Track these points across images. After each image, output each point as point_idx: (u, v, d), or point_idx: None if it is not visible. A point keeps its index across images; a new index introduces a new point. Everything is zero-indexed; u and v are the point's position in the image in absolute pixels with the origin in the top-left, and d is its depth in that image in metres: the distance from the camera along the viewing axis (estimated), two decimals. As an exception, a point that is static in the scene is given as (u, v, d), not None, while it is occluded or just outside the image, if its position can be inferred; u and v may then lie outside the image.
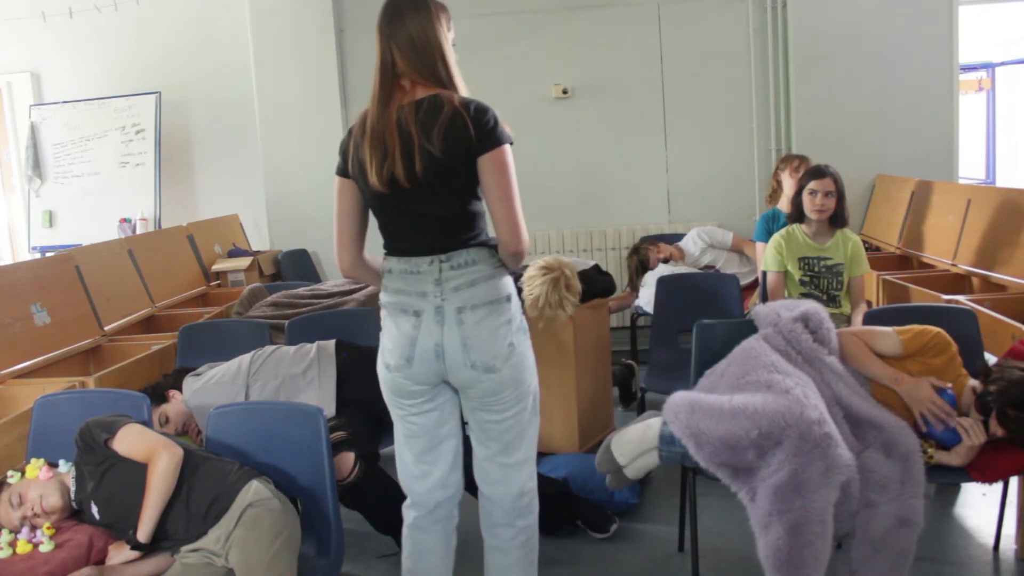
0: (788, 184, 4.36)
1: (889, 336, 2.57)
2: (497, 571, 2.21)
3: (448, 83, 2.02)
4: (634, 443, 2.51)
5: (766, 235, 4.15)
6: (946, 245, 4.12)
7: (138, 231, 5.61)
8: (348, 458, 2.68)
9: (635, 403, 4.27)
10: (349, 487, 2.69)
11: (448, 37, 2.06)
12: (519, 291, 3.50)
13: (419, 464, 2.18)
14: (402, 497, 2.89)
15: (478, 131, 1.94)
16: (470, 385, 2.06)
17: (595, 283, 3.72)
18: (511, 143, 2.00)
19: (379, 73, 2.03)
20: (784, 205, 4.31)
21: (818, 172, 3.54)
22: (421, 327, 2.02)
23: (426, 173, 1.96)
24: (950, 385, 2.45)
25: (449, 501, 2.22)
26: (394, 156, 1.96)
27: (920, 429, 2.42)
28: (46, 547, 2.16)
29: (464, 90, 2.03)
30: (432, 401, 2.11)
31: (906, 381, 2.47)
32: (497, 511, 2.18)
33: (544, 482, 3.10)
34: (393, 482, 2.84)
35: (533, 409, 2.15)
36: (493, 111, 1.99)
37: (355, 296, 3.81)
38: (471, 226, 2.04)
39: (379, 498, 2.80)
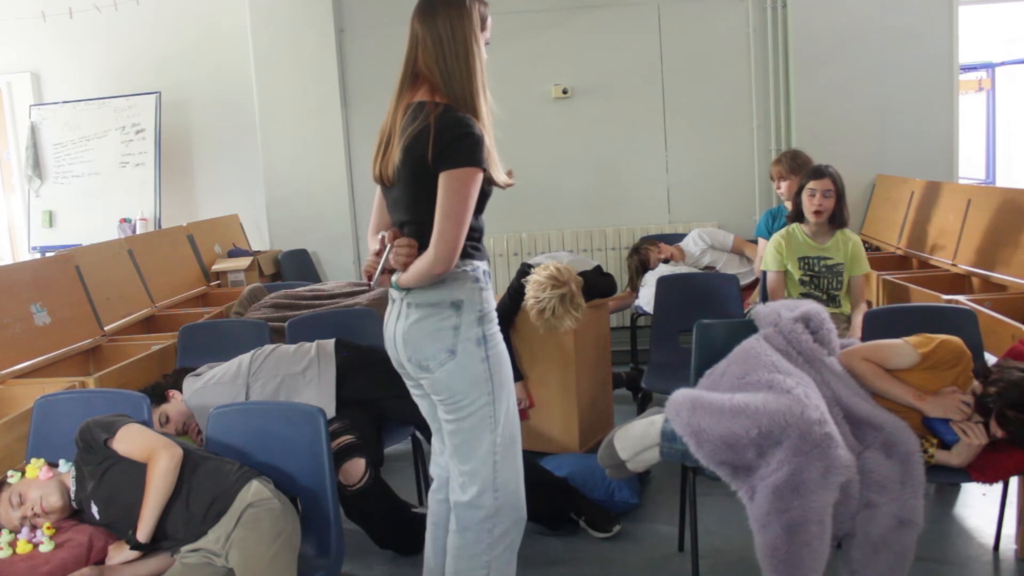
0: (783, 190, 4.34)
1: (902, 350, 2.52)
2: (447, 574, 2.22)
3: (462, 92, 2.01)
4: (637, 439, 2.51)
5: (768, 232, 4.16)
6: (946, 245, 4.12)
7: (138, 231, 5.61)
8: (359, 464, 2.69)
9: (647, 402, 4.27)
10: (356, 494, 2.69)
11: (481, 40, 2.05)
12: (521, 291, 3.50)
13: (435, 438, 2.32)
14: (400, 506, 2.90)
15: (436, 147, 1.95)
16: (418, 378, 2.14)
17: (596, 285, 3.71)
18: (479, 166, 1.97)
19: (401, 67, 2.07)
20: (788, 205, 4.31)
21: (817, 172, 3.55)
22: (391, 315, 2.16)
23: (394, 178, 2.06)
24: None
25: (445, 487, 2.28)
26: (381, 155, 2.08)
27: (945, 437, 2.41)
28: (46, 547, 2.16)
29: (482, 102, 2.03)
30: (420, 387, 2.19)
31: (928, 398, 2.45)
32: (453, 520, 2.18)
33: (543, 473, 3.10)
34: (392, 492, 2.85)
35: (481, 425, 2.09)
36: (465, 131, 1.95)
37: (359, 299, 3.81)
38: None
39: (381, 508, 2.80)
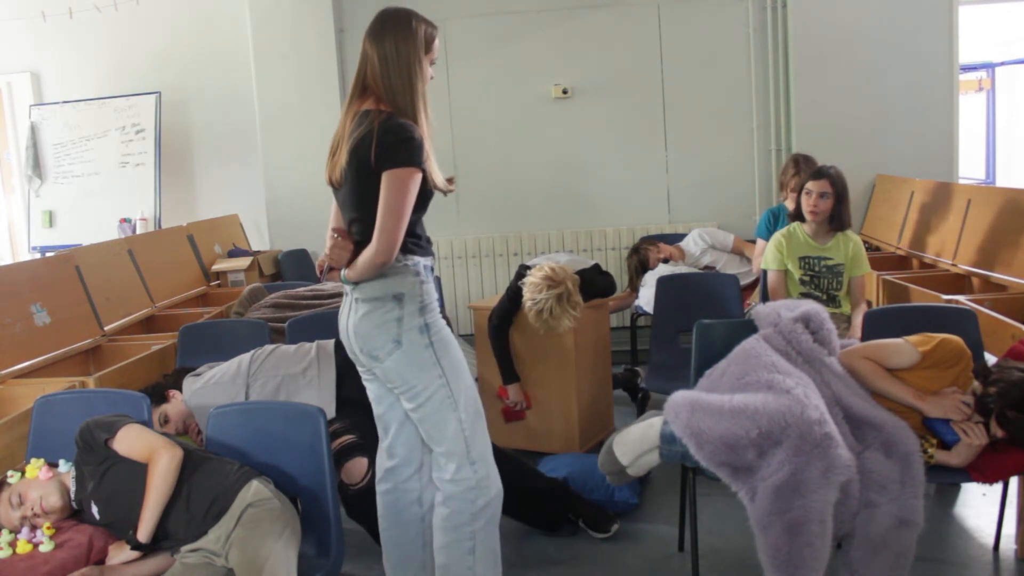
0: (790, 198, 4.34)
1: (902, 349, 2.52)
2: (436, 552, 2.33)
3: (404, 105, 2.16)
4: (636, 443, 2.51)
5: (767, 233, 4.15)
6: (946, 245, 4.12)
7: (138, 231, 5.61)
8: (361, 463, 2.69)
9: (646, 402, 4.27)
10: (358, 494, 2.69)
11: (424, 60, 2.22)
12: (519, 292, 3.51)
13: (378, 427, 2.41)
14: None
15: (378, 149, 2.11)
16: (371, 367, 2.27)
17: (594, 283, 3.71)
18: (418, 167, 2.12)
19: (353, 80, 2.26)
20: (790, 204, 4.31)
21: (817, 173, 3.55)
22: (343, 309, 2.31)
23: (342, 179, 2.21)
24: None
25: (394, 474, 2.38)
26: (331, 159, 2.25)
27: (945, 437, 2.41)
28: (46, 547, 2.16)
29: (423, 115, 2.18)
30: (372, 373, 2.31)
31: (928, 398, 2.45)
32: (439, 495, 2.31)
33: (541, 479, 3.10)
34: None
35: (443, 407, 2.23)
36: (407, 136, 2.11)
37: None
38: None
39: None
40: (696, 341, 2.83)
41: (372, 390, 2.37)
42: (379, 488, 2.41)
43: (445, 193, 2.27)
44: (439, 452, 2.27)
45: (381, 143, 2.10)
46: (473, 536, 2.27)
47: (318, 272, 2.28)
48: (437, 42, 2.26)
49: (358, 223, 2.21)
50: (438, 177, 2.22)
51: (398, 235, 2.12)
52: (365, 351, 2.23)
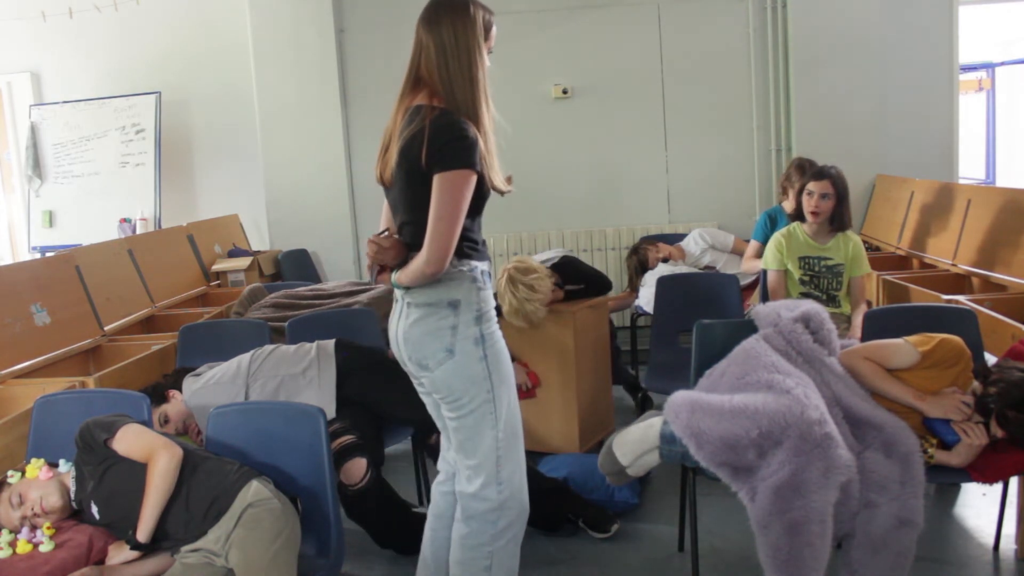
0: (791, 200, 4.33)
1: (902, 349, 2.52)
2: (452, 564, 2.26)
3: (463, 98, 2.01)
4: (635, 443, 2.51)
5: (763, 236, 4.15)
6: (946, 245, 4.12)
7: (138, 231, 5.61)
8: (360, 464, 2.69)
9: (647, 402, 4.27)
10: (357, 494, 2.69)
11: (483, 49, 2.06)
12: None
13: (443, 434, 2.32)
14: (401, 505, 2.90)
15: (429, 149, 1.97)
16: (420, 377, 2.17)
17: (576, 269, 3.71)
18: (472, 168, 1.98)
19: (405, 71, 2.10)
20: (788, 206, 4.31)
21: (818, 174, 3.55)
22: (394, 315, 2.20)
23: (393, 179, 2.10)
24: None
25: (452, 480, 2.30)
26: (381, 157, 2.13)
27: (946, 437, 2.41)
28: (46, 547, 2.16)
29: (484, 108, 2.04)
30: (424, 387, 2.21)
31: (928, 398, 2.45)
32: (459, 510, 2.24)
33: (541, 479, 3.11)
34: (394, 492, 2.85)
35: (483, 422, 2.13)
36: (459, 134, 1.97)
37: (359, 299, 3.81)
38: None
39: (382, 507, 2.80)
40: (696, 341, 2.83)
41: (430, 404, 2.27)
42: (440, 488, 2.34)
43: (503, 194, 2.12)
44: (468, 464, 2.17)
45: (432, 143, 1.96)
46: (491, 556, 2.19)
47: (368, 274, 2.18)
48: (495, 29, 2.10)
49: (409, 226, 2.09)
50: (497, 177, 2.07)
51: (450, 243, 1.98)
52: (414, 359, 2.12)
